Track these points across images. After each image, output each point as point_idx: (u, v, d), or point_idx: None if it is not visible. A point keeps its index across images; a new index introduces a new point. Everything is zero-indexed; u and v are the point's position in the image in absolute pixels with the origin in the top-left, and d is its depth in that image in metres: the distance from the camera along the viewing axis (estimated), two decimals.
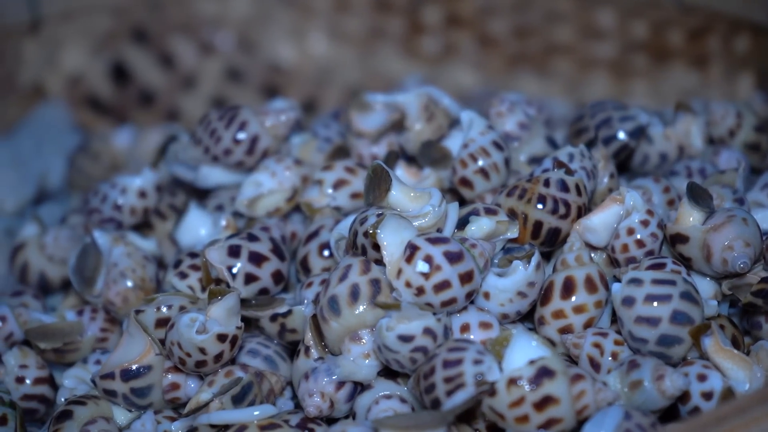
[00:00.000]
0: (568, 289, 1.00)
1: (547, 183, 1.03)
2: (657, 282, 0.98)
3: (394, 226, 0.97)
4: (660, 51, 1.48)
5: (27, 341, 1.11)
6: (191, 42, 1.61)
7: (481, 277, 0.98)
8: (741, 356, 0.99)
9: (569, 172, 1.04)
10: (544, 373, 0.92)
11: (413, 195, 1.00)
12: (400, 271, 0.96)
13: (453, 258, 0.96)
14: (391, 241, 0.96)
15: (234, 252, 1.05)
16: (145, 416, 0.96)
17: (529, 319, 1.03)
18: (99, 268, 1.11)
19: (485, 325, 0.99)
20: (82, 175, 1.41)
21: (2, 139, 1.48)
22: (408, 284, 0.95)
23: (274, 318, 1.05)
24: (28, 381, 1.10)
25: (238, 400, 0.99)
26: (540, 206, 1.03)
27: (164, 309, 1.05)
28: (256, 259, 1.05)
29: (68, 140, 1.48)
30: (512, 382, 0.92)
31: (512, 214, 1.02)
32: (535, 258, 1.00)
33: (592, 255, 1.04)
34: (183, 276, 1.08)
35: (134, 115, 1.58)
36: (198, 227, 1.14)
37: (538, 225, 1.03)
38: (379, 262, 0.98)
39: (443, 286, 0.95)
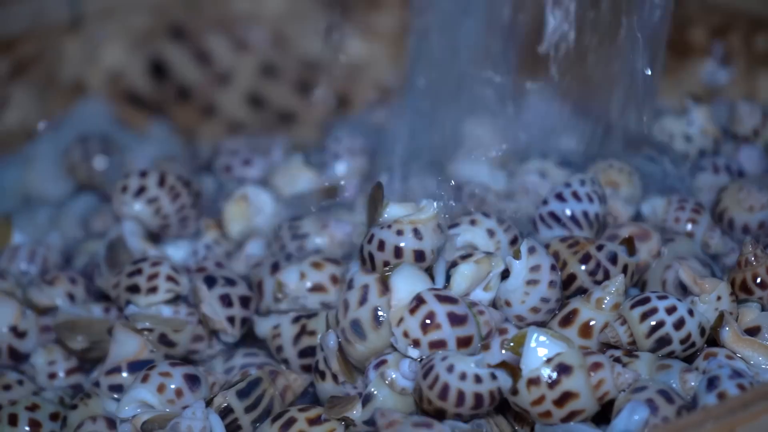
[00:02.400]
0: (567, 320, 1.03)
1: (600, 248, 1.05)
2: None
3: (408, 275, 1.00)
4: (681, 47, 1.51)
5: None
6: (226, 39, 1.65)
7: (480, 344, 1.00)
8: (761, 343, 1.02)
9: (631, 252, 1.06)
10: (561, 370, 0.96)
11: (409, 206, 1.04)
12: (401, 320, 0.99)
13: (455, 320, 0.98)
14: (401, 288, 0.99)
15: (227, 301, 1.09)
16: (196, 405, 1.00)
17: None
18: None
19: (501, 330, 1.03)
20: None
21: (46, 133, 1.52)
22: (406, 334, 0.98)
23: (296, 320, 1.09)
24: (61, 374, 1.14)
25: (243, 395, 1.02)
26: (583, 266, 1.05)
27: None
28: (246, 302, 1.10)
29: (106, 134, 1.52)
30: (531, 382, 0.96)
31: (555, 255, 1.04)
32: (523, 246, 1.02)
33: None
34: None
35: (172, 110, 1.63)
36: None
37: (571, 278, 1.05)
38: (387, 264, 1.01)
39: (439, 345, 0.98)
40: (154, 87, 1.63)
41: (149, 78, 1.64)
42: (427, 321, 0.98)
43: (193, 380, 1.03)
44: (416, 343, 0.98)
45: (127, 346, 1.08)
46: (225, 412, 1.01)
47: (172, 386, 1.03)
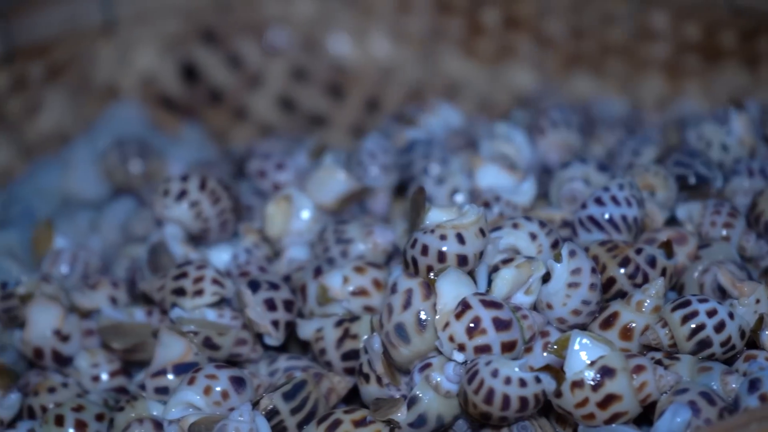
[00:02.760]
0: (608, 323, 1.04)
1: (639, 251, 1.06)
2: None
3: (454, 280, 1.01)
4: (712, 52, 1.53)
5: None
6: (257, 42, 1.67)
7: (523, 347, 1.01)
8: None
9: (669, 255, 1.07)
10: (604, 373, 0.97)
11: (451, 210, 1.05)
12: (447, 324, 1.00)
13: (500, 325, 0.99)
14: (447, 293, 1.00)
15: (271, 305, 1.11)
16: (243, 407, 1.01)
17: None
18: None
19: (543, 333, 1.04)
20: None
21: (81, 136, 1.53)
22: (451, 338, 0.99)
23: (339, 323, 1.11)
24: (104, 377, 1.15)
25: (288, 397, 1.03)
26: (622, 269, 1.06)
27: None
28: (289, 305, 1.12)
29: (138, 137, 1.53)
30: (575, 385, 0.97)
31: (594, 259, 1.05)
32: (564, 250, 1.03)
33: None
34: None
35: (203, 114, 1.64)
36: None
37: (611, 281, 1.06)
38: (431, 268, 1.02)
39: (484, 349, 0.99)
40: (186, 90, 1.65)
41: (181, 81, 1.65)
42: (473, 326, 0.99)
43: (238, 382, 1.04)
44: (461, 348, 1.00)
45: (172, 348, 1.10)
46: (271, 414, 1.02)
47: (218, 388, 1.04)
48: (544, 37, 1.60)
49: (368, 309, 1.11)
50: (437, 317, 1.01)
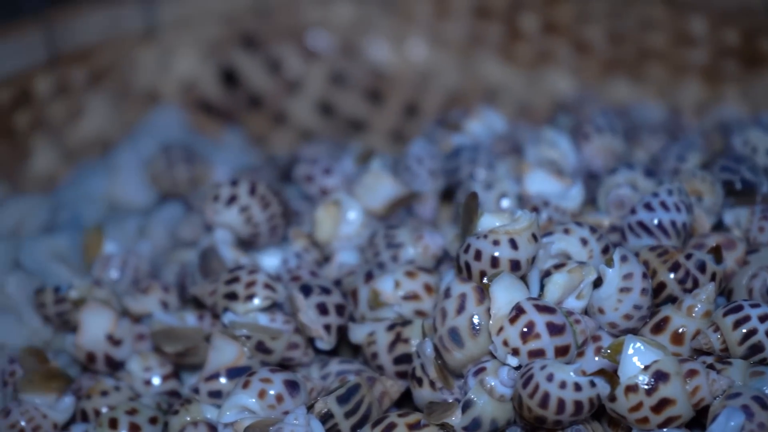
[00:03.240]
0: (659, 327, 1.05)
1: (689, 256, 1.07)
2: None
3: (507, 285, 1.02)
4: (751, 57, 1.53)
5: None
6: (296, 47, 1.68)
7: (576, 352, 1.02)
8: None
9: (718, 260, 1.08)
10: (658, 378, 0.98)
11: (503, 216, 1.06)
12: (501, 329, 1.01)
13: (554, 330, 1.00)
14: (501, 297, 1.01)
15: (323, 309, 1.12)
16: (298, 410, 1.02)
17: None
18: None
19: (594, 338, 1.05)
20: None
21: (124, 142, 1.55)
22: (505, 343, 1.00)
23: (391, 327, 1.12)
24: (156, 381, 1.16)
25: (342, 401, 1.04)
26: (672, 274, 1.07)
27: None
28: (341, 310, 1.13)
29: (182, 142, 1.54)
30: (629, 389, 0.98)
31: (644, 264, 1.06)
32: (616, 255, 1.04)
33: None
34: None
35: (244, 118, 1.65)
36: None
37: (661, 286, 1.07)
38: (484, 273, 1.04)
39: (538, 354, 1.00)
40: (226, 95, 1.66)
41: (221, 86, 1.66)
42: (527, 330, 1.00)
43: (293, 386, 1.05)
44: (516, 352, 1.01)
45: (225, 353, 1.11)
46: (325, 418, 1.03)
47: (273, 392, 1.05)
48: (583, 42, 1.61)
49: (419, 313, 1.12)
50: (491, 322, 1.02)
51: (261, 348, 1.11)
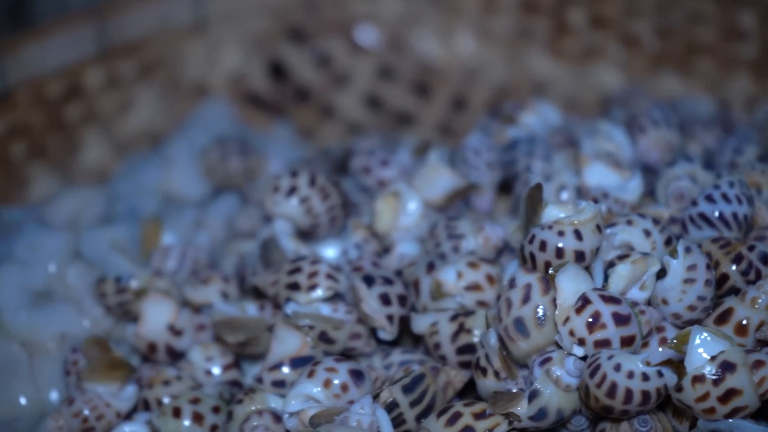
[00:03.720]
0: (722, 319, 1.05)
1: (752, 248, 1.07)
2: None
3: (573, 275, 1.02)
4: None
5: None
6: (344, 41, 1.68)
7: (641, 342, 1.03)
8: None
9: None
10: (725, 368, 0.98)
11: (567, 207, 1.06)
12: (567, 319, 1.01)
13: (620, 320, 1.01)
14: (567, 288, 1.02)
15: (386, 300, 1.12)
16: (364, 399, 1.02)
17: None
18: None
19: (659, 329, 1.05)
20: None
21: (174, 134, 1.55)
22: (571, 333, 1.01)
23: (454, 317, 1.12)
24: (217, 371, 1.17)
25: (408, 390, 1.05)
26: (734, 266, 1.07)
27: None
28: (403, 300, 1.13)
29: (233, 135, 1.54)
30: (696, 379, 0.99)
31: (707, 255, 1.06)
32: (680, 246, 1.05)
33: None
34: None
35: (291, 111, 1.66)
36: None
37: (724, 278, 1.07)
38: (549, 264, 1.04)
39: (604, 344, 1.00)
40: (274, 88, 1.66)
41: (269, 79, 1.66)
42: (593, 320, 1.01)
43: (357, 375, 1.06)
44: (582, 342, 1.01)
45: (288, 343, 1.11)
46: (391, 407, 1.04)
47: (338, 381, 1.05)
48: (631, 36, 1.61)
49: (481, 304, 1.12)
50: (557, 312, 1.02)
51: (324, 338, 1.11)
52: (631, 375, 0.98)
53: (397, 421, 1.04)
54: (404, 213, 1.21)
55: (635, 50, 1.61)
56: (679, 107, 1.50)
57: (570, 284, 1.02)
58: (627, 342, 1.01)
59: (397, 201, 1.22)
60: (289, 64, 1.67)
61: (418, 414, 1.05)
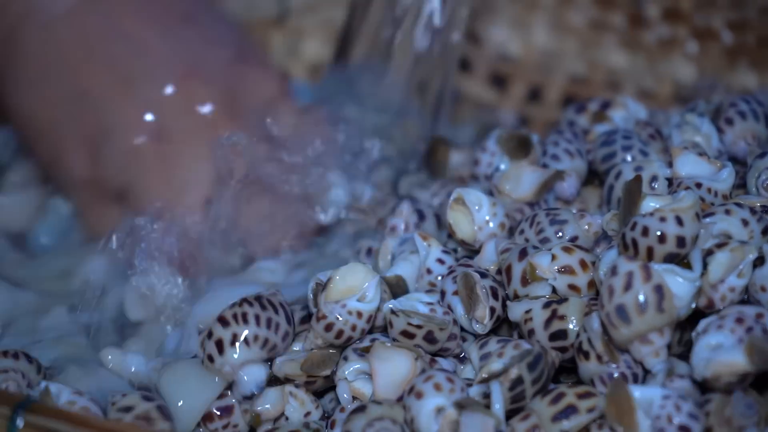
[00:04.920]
0: None
1: None
2: None
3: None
4: None
5: None
6: (421, 32, 1.71)
7: None
8: None
9: None
10: None
11: (665, 198, 1.10)
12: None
13: None
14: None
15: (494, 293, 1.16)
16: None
17: None
18: None
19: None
20: None
21: None
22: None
23: (547, 305, 1.15)
24: None
25: (531, 368, 1.07)
26: None
27: None
28: (495, 293, 1.16)
29: None
30: None
31: None
32: None
33: None
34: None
35: None
36: None
37: None
38: (651, 249, 1.07)
39: None
40: None
41: None
42: None
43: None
44: None
45: (397, 364, 1.12)
46: (515, 384, 1.06)
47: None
48: (706, 29, 1.63)
49: (573, 288, 1.14)
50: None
51: (429, 338, 1.14)
52: None
53: (518, 398, 1.06)
54: (477, 214, 1.23)
55: (710, 43, 1.63)
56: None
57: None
58: None
59: (464, 205, 1.23)
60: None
61: (536, 391, 1.07)
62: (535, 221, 1.21)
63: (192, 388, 1.14)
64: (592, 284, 1.13)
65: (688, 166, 1.23)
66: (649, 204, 1.09)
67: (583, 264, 1.15)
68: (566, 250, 1.16)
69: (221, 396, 1.14)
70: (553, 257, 1.15)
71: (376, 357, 1.11)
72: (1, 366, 1.14)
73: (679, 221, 1.07)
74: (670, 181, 1.21)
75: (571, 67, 1.69)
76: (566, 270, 1.15)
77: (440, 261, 1.21)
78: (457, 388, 1.07)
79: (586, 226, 1.20)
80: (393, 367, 1.11)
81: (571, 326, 1.12)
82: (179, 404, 1.12)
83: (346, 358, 1.14)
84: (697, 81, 1.61)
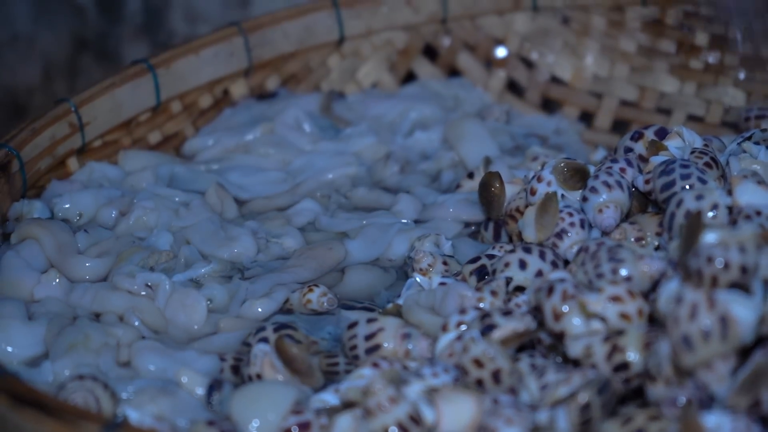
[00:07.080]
0: None
1: None
2: None
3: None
4: None
5: None
6: (476, 57, 1.76)
7: None
8: None
9: None
10: None
11: (724, 229, 1.13)
12: None
13: None
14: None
15: None
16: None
17: None
18: None
19: None
20: None
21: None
22: None
23: (606, 338, 1.18)
24: None
25: (601, 393, 1.11)
26: None
27: None
28: None
29: None
30: None
31: None
32: None
33: None
34: None
35: None
36: None
37: None
38: (716, 278, 1.10)
39: None
40: None
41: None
42: None
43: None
44: None
45: (462, 408, 1.14)
46: (585, 409, 1.10)
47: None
48: (753, 56, 1.66)
49: (624, 317, 1.17)
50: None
51: (496, 378, 1.17)
52: None
53: (585, 423, 1.10)
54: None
55: (758, 70, 1.66)
56: None
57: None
58: None
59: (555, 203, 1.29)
60: (423, 78, 1.75)
61: (603, 417, 1.11)
62: (597, 255, 1.23)
63: (264, 408, 1.17)
64: (641, 313, 1.17)
65: (748, 194, 1.26)
66: (710, 236, 1.12)
67: (630, 292, 1.18)
68: (612, 282, 1.19)
69: (297, 411, 1.15)
70: (600, 289, 1.18)
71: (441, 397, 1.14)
72: (82, 386, 1.19)
73: (743, 249, 1.11)
74: (730, 209, 1.25)
75: (621, 92, 1.72)
76: (615, 298, 1.18)
77: None
78: (526, 417, 1.11)
79: (645, 268, 1.22)
80: (457, 412, 1.14)
81: (632, 358, 1.16)
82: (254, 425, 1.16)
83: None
84: (747, 107, 1.64)
